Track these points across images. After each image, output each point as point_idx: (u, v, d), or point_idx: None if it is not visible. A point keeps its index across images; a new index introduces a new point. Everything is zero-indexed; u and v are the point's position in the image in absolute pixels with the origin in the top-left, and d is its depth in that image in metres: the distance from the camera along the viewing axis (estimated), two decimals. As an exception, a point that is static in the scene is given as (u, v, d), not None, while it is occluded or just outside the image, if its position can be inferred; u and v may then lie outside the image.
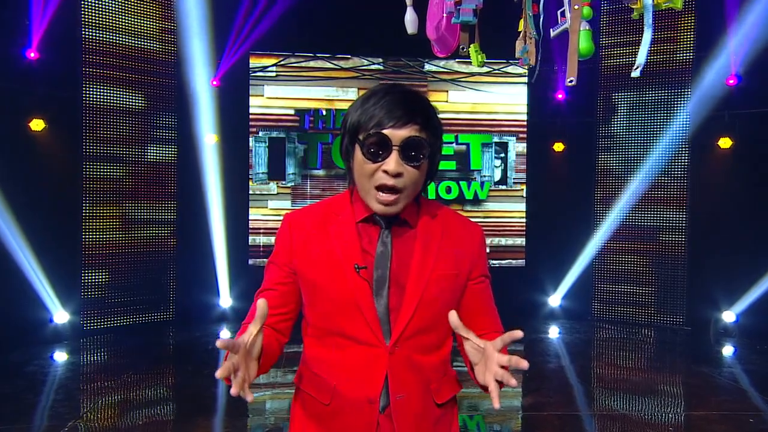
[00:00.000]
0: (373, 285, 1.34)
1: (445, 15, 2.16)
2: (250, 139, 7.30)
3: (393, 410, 1.34)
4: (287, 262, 1.39)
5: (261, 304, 1.15)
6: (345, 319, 1.34)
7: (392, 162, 1.27)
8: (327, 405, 1.37)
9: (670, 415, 4.50)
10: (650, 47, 1.59)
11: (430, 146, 1.31)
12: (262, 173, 7.34)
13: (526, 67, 2.14)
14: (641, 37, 1.64)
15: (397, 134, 1.28)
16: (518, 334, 1.13)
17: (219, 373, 1.07)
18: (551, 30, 1.89)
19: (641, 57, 1.60)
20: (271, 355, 1.31)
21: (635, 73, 1.61)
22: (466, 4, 2.01)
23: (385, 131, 1.27)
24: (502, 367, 1.14)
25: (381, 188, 1.30)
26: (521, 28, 2.15)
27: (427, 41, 2.44)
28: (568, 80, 1.77)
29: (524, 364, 1.09)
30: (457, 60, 7.39)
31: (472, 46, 2.22)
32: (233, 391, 1.08)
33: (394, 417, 1.34)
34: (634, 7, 1.66)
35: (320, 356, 1.39)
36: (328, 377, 1.37)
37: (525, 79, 7.44)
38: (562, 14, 1.83)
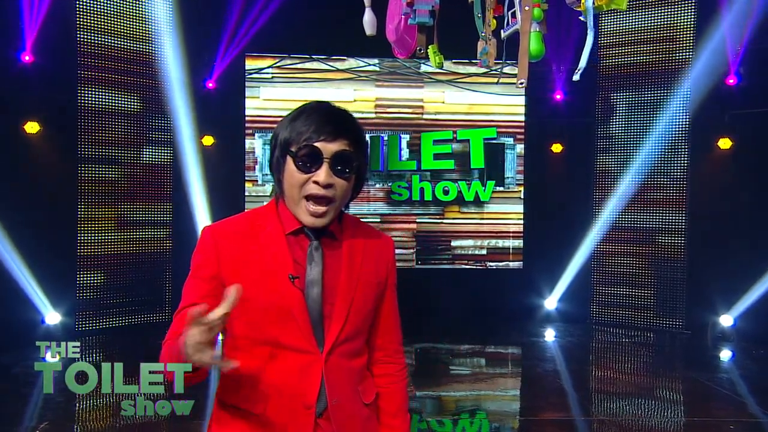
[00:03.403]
0: (306, 294, 1.38)
1: (402, 16, 2.14)
2: (258, 139, 7.31)
3: (331, 414, 1.39)
4: (215, 275, 1.39)
5: (233, 290, 1.17)
6: (278, 328, 1.37)
7: (323, 173, 1.34)
8: (259, 415, 1.38)
9: (653, 421, 4.44)
10: (591, 50, 1.55)
11: (357, 160, 1.39)
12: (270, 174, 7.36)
13: (497, 69, 2.11)
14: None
15: (328, 147, 1.35)
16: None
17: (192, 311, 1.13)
18: (502, 31, 1.86)
19: (583, 60, 1.56)
20: (203, 372, 1.31)
21: (576, 77, 1.57)
22: (420, 5, 1.98)
23: (316, 144, 1.34)
24: None
25: (311, 198, 1.36)
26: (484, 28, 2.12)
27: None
28: (519, 82, 1.74)
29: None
30: (453, 61, 7.33)
31: (430, 47, 2.19)
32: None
33: (333, 420, 1.39)
34: (579, 9, 1.62)
35: (250, 367, 1.38)
36: (259, 387, 1.38)
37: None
38: (513, 15, 1.80)
